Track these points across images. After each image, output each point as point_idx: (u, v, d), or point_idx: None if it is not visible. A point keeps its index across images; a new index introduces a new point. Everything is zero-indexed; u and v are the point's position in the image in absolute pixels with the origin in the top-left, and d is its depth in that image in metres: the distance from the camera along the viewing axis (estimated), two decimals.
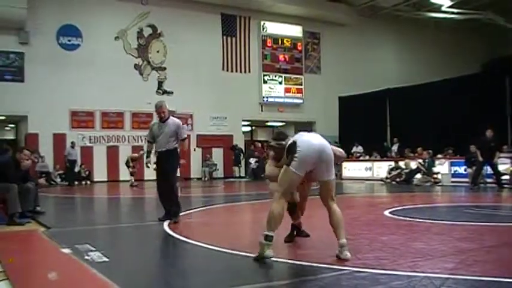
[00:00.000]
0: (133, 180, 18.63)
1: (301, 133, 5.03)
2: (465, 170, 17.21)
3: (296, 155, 4.71)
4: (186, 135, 8.35)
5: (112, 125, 22.92)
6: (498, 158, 15.04)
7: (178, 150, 8.17)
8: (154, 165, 8.28)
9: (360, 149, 23.92)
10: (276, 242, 5.46)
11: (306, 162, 4.72)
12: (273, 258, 4.75)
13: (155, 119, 8.43)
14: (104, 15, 23.15)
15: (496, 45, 31.13)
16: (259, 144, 26.50)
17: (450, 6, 27.13)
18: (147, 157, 8.45)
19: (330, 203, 4.88)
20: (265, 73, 27.11)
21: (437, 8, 27.55)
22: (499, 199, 12.06)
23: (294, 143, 4.80)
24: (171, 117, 8.22)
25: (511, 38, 28.95)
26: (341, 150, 5.68)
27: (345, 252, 4.61)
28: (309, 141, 4.83)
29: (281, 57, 27.67)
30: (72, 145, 20.81)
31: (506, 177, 14.95)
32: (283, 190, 4.81)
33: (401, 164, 19.18)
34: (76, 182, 21.08)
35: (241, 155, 25.69)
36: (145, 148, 8.71)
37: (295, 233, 5.76)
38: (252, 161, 24.52)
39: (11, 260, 5.00)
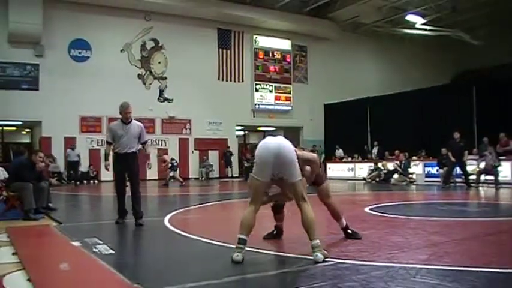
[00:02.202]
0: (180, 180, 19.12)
1: (266, 138, 4.73)
2: (437, 171, 17.28)
3: (255, 161, 4.50)
4: (147, 139, 7.71)
5: None
6: (467, 158, 15.21)
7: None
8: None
9: (340, 151, 24.08)
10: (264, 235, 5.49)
11: (264, 165, 4.41)
12: (264, 251, 4.76)
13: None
14: (111, 30, 23.09)
15: (464, 59, 31.32)
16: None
17: (423, 24, 27.32)
18: (106, 159, 7.49)
19: (300, 204, 4.45)
20: (257, 82, 27.11)
21: (412, 25, 27.73)
22: (467, 197, 12.11)
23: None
24: (134, 120, 7.48)
25: (477, 53, 29.18)
26: (312, 154, 5.20)
27: (317, 254, 4.20)
28: (266, 144, 4.51)
29: (271, 68, 27.70)
30: (72, 147, 20.31)
31: (473, 177, 15.04)
32: (251, 197, 4.53)
33: (380, 165, 19.25)
34: (85, 181, 21.14)
35: (231, 157, 25.63)
36: (106, 150, 7.53)
37: (274, 232, 5.52)
38: (245, 162, 24.53)
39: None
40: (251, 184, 4.55)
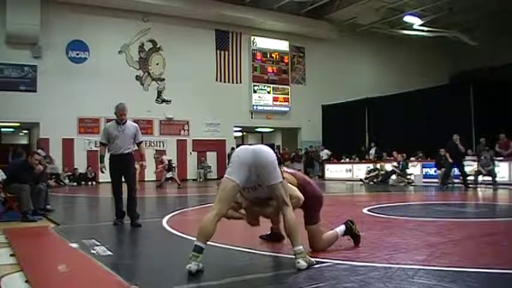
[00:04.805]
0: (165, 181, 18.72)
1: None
2: (435, 172, 17.32)
3: (232, 161, 4.21)
4: (142, 139, 7.70)
5: None
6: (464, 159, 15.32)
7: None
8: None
9: (325, 152, 24.26)
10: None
11: (241, 164, 4.08)
12: (262, 252, 4.75)
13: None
14: (109, 32, 23.11)
15: (462, 59, 31.43)
16: None
17: (421, 25, 27.44)
18: (102, 161, 7.50)
19: (282, 209, 4.16)
20: (255, 83, 27.11)
21: (410, 26, 27.83)
22: (465, 197, 12.12)
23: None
24: (128, 121, 7.50)
25: (474, 54, 29.26)
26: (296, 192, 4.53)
27: (299, 261, 3.95)
28: (245, 147, 4.32)
29: (269, 69, 27.71)
30: (41, 148, 18.27)
31: (471, 178, 15.06)
32: (217, 199, 4.13)
33: (378, 166, 19.28)
34: (83, 183, 21.32)
35: None
36: (101, 152, 7.59)
37: (269, 233, 5.35)
38: None
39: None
40: (221, 185, 4.16)
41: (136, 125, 7.68)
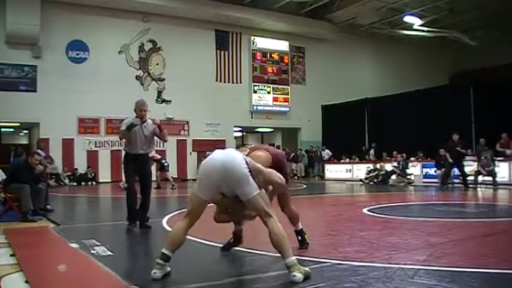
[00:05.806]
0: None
1: (214, 151, 4.02)
2: (435, 172, 17.31)
3: (199, 177, 3.99)
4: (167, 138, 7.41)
5: (115, 130, 22.51)
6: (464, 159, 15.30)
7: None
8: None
9: (326, 152, 24.26)
10: (262, 236, 5.46)
11: (207, 180, 3.85)
12: (261, 252, 4.74)
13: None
14: (109, 32, 23.08)
15: (461, 59, 31.45)
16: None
17: (421, 25, 27.42)
18: (130, 129, 6.92)
19: (265, 221, 3.81)
20: (255, 84, 27.09)
21: (410, 27, 27.80)
22: (465, 198, 12.12)
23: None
24: (148, 119, 6.99)
25: (474, 54, 29.27)
26: (278, 178, 4.28)
27: (294, 274, 3.59)
28: (212, 158, 3.90)
29: (269, 69, 27.68)
30: (41, 148, 17.44)
31: (471, 178, 15.06)
32: (188, 211, 3.99)
33: (378, 166, 19.27)
34: (83, 183, 21.28)
35: None
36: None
37: (231, 241, 5.05)
38: None
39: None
40: (191, 198, 4.02)
41: (156, 126, 7.22)
